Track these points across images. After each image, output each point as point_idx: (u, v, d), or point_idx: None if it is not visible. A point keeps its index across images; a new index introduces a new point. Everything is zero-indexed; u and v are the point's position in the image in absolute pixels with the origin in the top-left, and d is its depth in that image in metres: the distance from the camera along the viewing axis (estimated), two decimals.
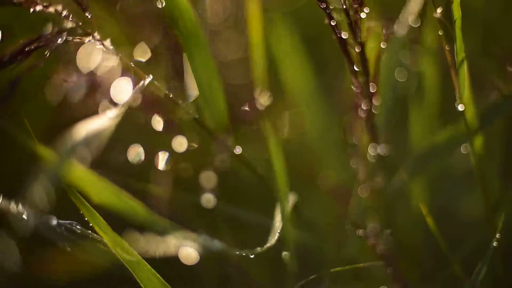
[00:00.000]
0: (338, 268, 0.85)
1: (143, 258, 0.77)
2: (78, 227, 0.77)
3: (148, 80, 0.77)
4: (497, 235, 0.81)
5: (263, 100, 0.78)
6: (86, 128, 0.63)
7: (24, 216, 0.72)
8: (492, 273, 0.91)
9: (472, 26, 1.13)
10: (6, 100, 0.69)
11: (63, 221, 0.76)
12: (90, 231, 0.77)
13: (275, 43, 1.14)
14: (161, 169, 0.94)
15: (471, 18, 1.13)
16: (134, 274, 0.77)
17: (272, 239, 0.83)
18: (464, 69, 0.80)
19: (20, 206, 0.73)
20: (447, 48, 0.80)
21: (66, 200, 0.82)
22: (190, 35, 0.83)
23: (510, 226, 0.96)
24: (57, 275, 1.11)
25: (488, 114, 0.86)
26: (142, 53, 0.87)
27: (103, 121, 0.65)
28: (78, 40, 0.73)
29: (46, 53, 0.71)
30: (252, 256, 0.82)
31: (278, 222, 0.84)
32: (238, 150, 0.89)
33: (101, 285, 1.14)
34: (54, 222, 0.76)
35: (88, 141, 0.62)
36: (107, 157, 0.93)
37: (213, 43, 1.16)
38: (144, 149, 0.94)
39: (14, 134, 0.79)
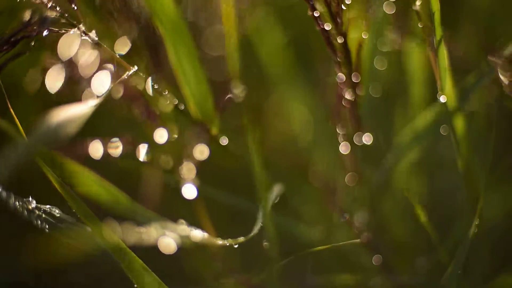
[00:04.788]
0: (316, 248, 0.85)
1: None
2: (56, 211, 0.76)
3: (133, 70, 0.77)
4: (476, 221, 0.82)
5: (238, 92, 0.79)
6: (62, 113, 0.63)
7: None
8: (476, 257, 0.92)
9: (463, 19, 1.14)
10: None
11: (41, 205, 0.75)
12: (68, 216, 0.75)
13: (261, 38, 1.15)
14: (142, 160, 0.94)
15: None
16: (119, 260, 0.75)
17: (255, 229, 0.83)
18: (445, 60, 0.81)
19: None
20: (427, 37, 0.81)
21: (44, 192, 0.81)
22: (173, 27, 0.83)
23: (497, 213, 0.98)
24: (39, 260, 1.10)
25: (465, 90, 0.87)
26: (123, 46, 0.88)
27: (80, 109, 0.65)
28: (64, 31, 0.74)
29: (31, 43, 0.72)
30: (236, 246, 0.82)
31: (261, 211, 0.84)
32: (224, 141, 0.89)
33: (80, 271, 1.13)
34: (33, 205, 0.75)
35: (62, 126, 0.62)
36: (88, 148, 0.93)
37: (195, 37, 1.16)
38: (125, 140, 0.93)
39: None
